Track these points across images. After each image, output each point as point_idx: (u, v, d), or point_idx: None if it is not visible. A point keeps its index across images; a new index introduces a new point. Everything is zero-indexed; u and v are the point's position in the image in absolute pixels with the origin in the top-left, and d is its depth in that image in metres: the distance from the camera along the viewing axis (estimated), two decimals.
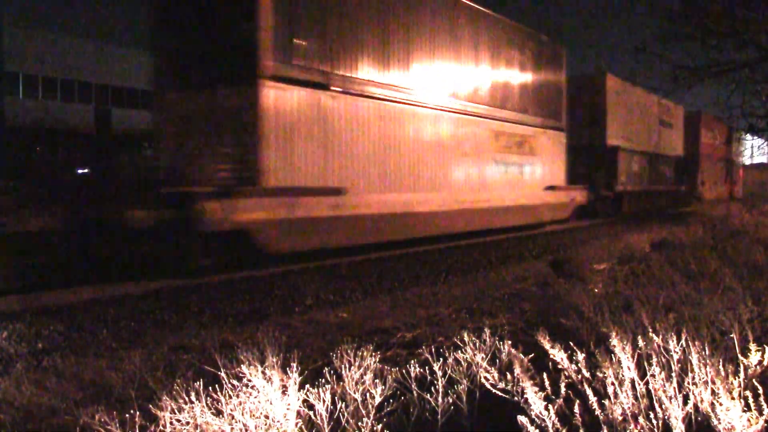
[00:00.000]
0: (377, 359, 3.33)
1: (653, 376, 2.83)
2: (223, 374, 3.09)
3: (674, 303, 4.60)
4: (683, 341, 3.01)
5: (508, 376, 3.16)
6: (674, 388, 2.73)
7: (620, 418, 2.76)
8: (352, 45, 11.85)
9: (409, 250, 13.08)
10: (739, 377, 2.77)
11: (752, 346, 2.94)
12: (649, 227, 18.27)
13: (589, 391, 2.81)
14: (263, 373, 2.93)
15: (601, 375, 2.99)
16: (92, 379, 4.30)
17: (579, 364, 3.13)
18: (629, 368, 2.90)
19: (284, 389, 2.87)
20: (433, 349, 3.75)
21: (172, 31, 11.20)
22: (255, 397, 2.83)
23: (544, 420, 2.73)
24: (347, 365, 3.15)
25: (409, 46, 13.31)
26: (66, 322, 6.55)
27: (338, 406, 2.88)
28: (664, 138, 29.59)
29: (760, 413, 2.48)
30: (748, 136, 28.96)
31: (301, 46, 10.68)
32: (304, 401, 2.87)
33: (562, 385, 2.94)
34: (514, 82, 17.32)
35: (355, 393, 2.98)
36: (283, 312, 7.25)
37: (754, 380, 2.80)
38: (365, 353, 3.28)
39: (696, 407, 2.75)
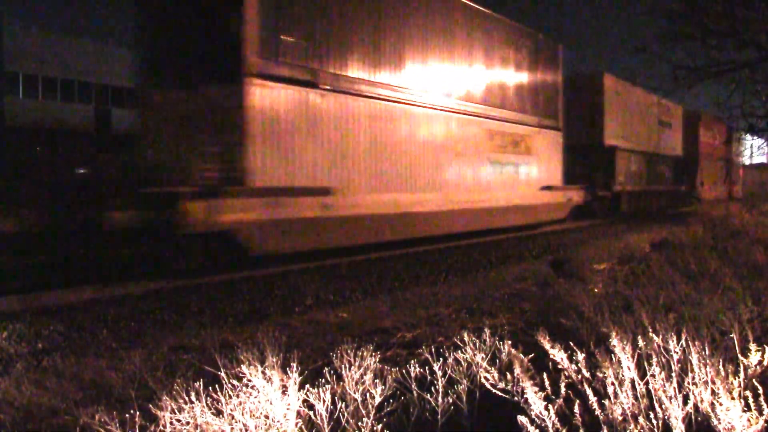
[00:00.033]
0: (377, 359, 3.33)
1: (653, 376, 2.83)
2: (223, 374, 3.09)
3: (674, 303, 4.60)
4: (683, 341, 3.01)
5: (508, 376, 3.16)
6: (674, 388, 2.73)
7: (620, 418, 2.76)
8: (342, 42, 11.64)
9: (409, 250, 13.08)
10: (739, 377, 2.77)
11: (752, 346, 2.94)
12: (649, 227, 18.28)
13: (589, 391, 2.80)
14: (263, 373, 2.93)
15: (601, 375, 2.99)
16: (92, 379, 4.30)
17: (579, 364, 3.13)
18: (629, 368, 2.90)
19: (284, 389, 2.87)
20: (433, 349, 3.75)
21: (157, 27, 10.98)
22: (255, 397, 2.83)
23: (544, 420, 2.73)
24: (347, 365, 3.15)
25: (401, 44, 13.10)
26: (66, 322, 6.55)
27: (338, 406, 2.88)
28: (662, 138, 29.48)
29: (760, 413, 2.48)
30: (748, 136, 28.95)
31: (288, 42, 10.46)
32: (304, 401, 2.87)
33: (562, 385, 2.94)
34: (510, 81, 17.15)
35: (355, 393, 2.98)
36: (283, 312, 7.25)
37: (754, 380, 2.80)
38: (365, 353, 3.28)
39: (696, 407, 2.75)
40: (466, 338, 3.69)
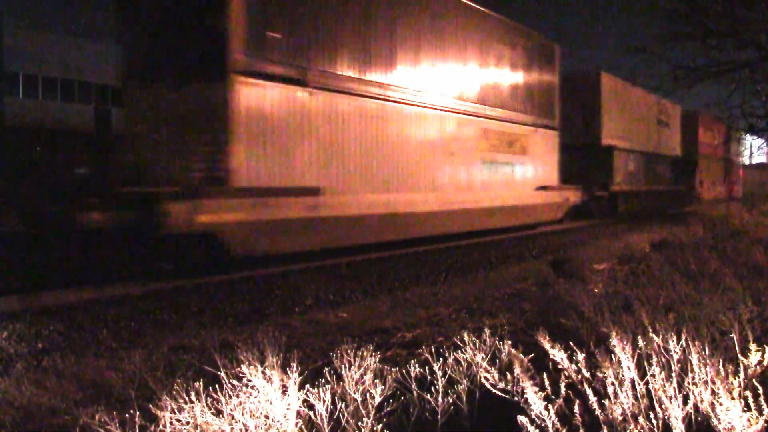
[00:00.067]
0: (377, 359, 3.33)
1: (653, 376, 2.83)
2: (223, 374, 3.09)
3: (674, 303, 4.60)
4: (683, 341, 3.02)
5: (508, 376, 3.16)
6: (674, 388, 2.73)
7: (620, 418, 2.76)
8: (331, 39, 11.36)
9: (409, 250, 13.08)
10: (739, 377, 2.77)
11: (752, 346, 2.94)
12: (649, 227, 18.28)
13: (589, 391, 2.81)
14: (263, 373, 2.93)
15: (601, 375, 3.00)
16: (92, 379, 4.30)
17: (579, 364, 3.13)
18: (629, 368, 2.90)
19: (284, 389, 2.87)
20: (433, 349, 3.75)
21: (140, 23, 10.67)
22: (255, 397, 2.83)
23: (544, 420, 2.73)
24: (347, 365, 3.15)
25: (393, 41, 12.80)
26: (66, 322, 6.55)
27: (338, 406, 2.88)
28: (661, 137, 29.30)
29: (760, 413, 2.48)
30: (748, 136, 28.92)
31: (275, 39, 10.17)
32: (304, 401, 2.88)
33: (562, 385, 2.94)
34: (505, 79, 16.91)
35: (355, 393, 2.98)
36: (283, 312, 7.25)
37: (754, 380, 2.80)
38: (365, 353, 3.28)
39: (696, 407, 2.75)
40: (466, 338, 3.69)
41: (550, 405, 2.77)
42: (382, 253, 12.33)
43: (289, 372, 2.93)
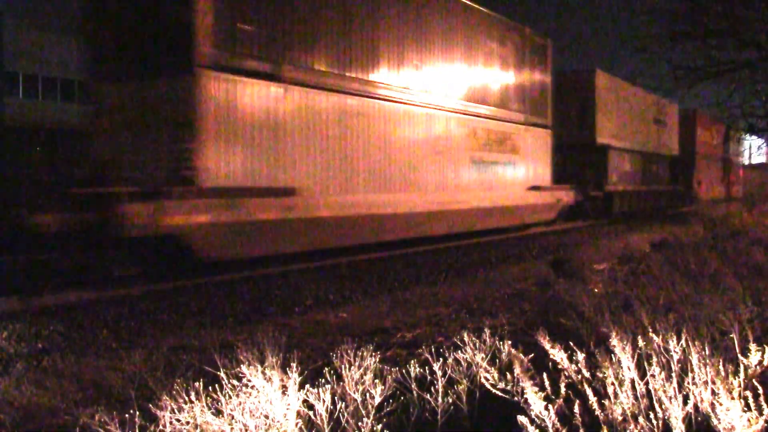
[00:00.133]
0: (377, 359, 3.33)
1: (653, 376, 2.83)
2: (222, 374, 3.09)
3: (674, 303, 4.60)
4: (683, 341, 3.01)
5: (508, 376, 3.16)
6: (674, 388, 2.73)
7: (620, 418, 2.76)
8: (308, 33, 10.82)
9: (409, 250, 13.07)
10: (739, 377, 2.77)
11: (752, 346, 2.94)
12: (649, 227, 18.29)
13: (589, 391, 2.81)
14: (263, 373, 2.93)
15: (601, 375, 3.00)
16: (92, 379, 4.30)
17: (579, 364, 3.13)
18: (629, 368, 2.90)
19: (284, 389, 2.87)
20: (433, 349, 3.75)
21: (104, 15, 10.20)
22: (255, 397, 2.83)
23: (544, 420, 2.73)
24: (347, 365, 3.15)
25: (374, 36, 12.28)
26: (66, 322, 6.55)
27: (338, 406, 2.88)
28: (658, 136, 28.96)
29: (760, 413, 2.48)
30: (748, 136, 28.86)
31: (246, 31, 9.70)
32: (304, 401, 2.87)
33: (562, 385, 2.94)
34: (494, 76, 16.45)
35: (355, 393, 2.98)
36: (283, 312, 7.25)
37: (754, 380, 2.80)
38: (365, 353, 3.28)
39: (696, 407, 2.75)
40: (466, 338, 3.69)
41: (550, 405, 2.76)
42: (382, 253, 12.32)
43: (289, 372, 2.93)
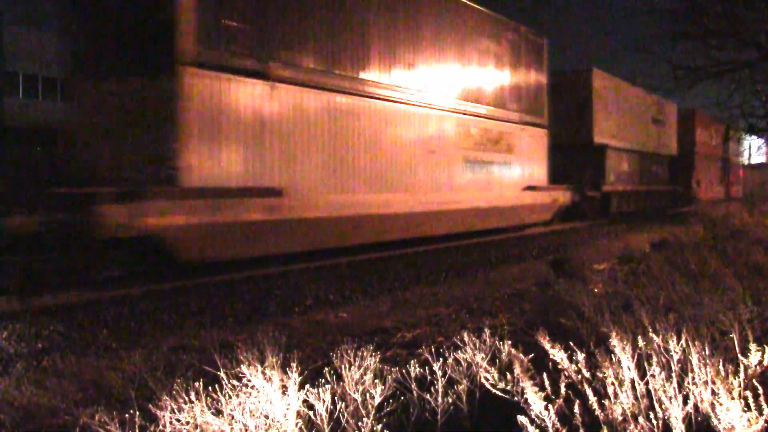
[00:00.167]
0: (377, 359, 3.33)
1: (653, 376, 2.83)
2: (222, 374, 3.09)
3: (674, 303, 4.60)
4: (683, 341, 3.01)
5: (508, 376, 3.16)
6: (674, 388, 2.73)
7: (620, 418, 2.76)
8: (296, 29, 10.55)
9: (409, 251, 13.07)
10: (739, 377, 2.77)
11: (752, 346, 2.94)
12: (649, 227, 18.29)
13: (589, 391, 2.81)
14: (263, 373, 2.93)
15: (601, 375, 2.99)
16: (92, 379, 4.30)
17: (579, 364, 3.13)
18: (629, 368, 2.90)
19: (284, 389, 2.87)
20: (433, 349, 3.75)
21: (84, 10, 10.00)
22: (255, 397, 2.83)
23: (544, 420, 2.73)
24: (347, 365, 3.15)
25: (365, 32, 12.00)
26: (66, 322, 6.55)
27: (338, 406, 2.88)
28: (656, 136, 28.76)
29: (760, 413, 2.48)
30: (747, 136, 28.81)
31: (231, 28, 9.42)
32: (304, 401, 2.88)
33: (562, 385, 2.94)
34: (489, 74, 16.18)
35: (355, 393, 2.98)
36: (283, 312, 7.25)
37: (754, 380, 2.80)
38: (365, 353, 3.28)
39: (696, 407, 2.75)
40: (466, 338, 3.69)
41: (550, 405, 2.77)
42: (382, 253, 12.32)
43: (289, 372, 2.93)
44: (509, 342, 3.71)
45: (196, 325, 6.46)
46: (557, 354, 3.19)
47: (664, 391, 2.74)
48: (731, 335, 3.30)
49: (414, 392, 3.23)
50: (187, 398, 2.79)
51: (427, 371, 3.32)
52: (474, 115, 15.44)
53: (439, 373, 3.22)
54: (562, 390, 2.91)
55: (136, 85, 9.26)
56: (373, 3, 12.28)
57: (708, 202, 33.49)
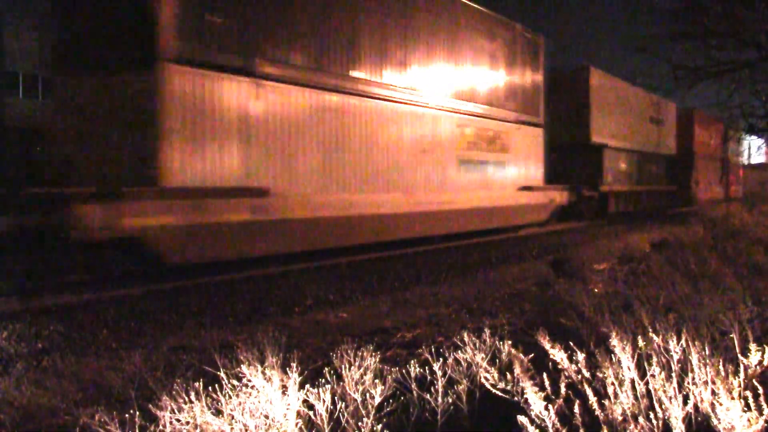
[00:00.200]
0: (377, 359, 3.33)
1: (653, 376, 2.83)
2: (222, 374, 3.09)
3: (674, 303, 4.60)
4: (683, 341, 3.02)
5: (508, 376, 3.16)
6: (674, 388, 2.73)
7: (620, 418, 2.76)
8: (283, 25, 10.24)
9: (409, 251, 13.07)
10: (739, 377, 2.77)
11: (752, 346, 2.94)
12: (649, 227, 18.29)
13: (589, 391, 2.81)
14: (263, 373, 2.93)
15: (601, 375, 3.00)
16: (92, 379, 4.30)
17: (579, 364, 3.13)
18: (629, 368, 2.90)
19: (284, 389, 2.87)
20: (433, 349, 3.75)
21: (62, 4, 9.74)
22: (255, 397, 2.83)
23: (544, 420, 2.73)
24: (347, 365, 3.15)
25: (354, 29, 11.71)
26: (66, 322, 6.55)
27: (338, 406, 2.88)
28: (654, 136, 28.55)
29: (760, 413, 2.48)
30: (747, 136, 28.74)
31: (215, 23, 9.18)
32: (304, 401, 2.88)
33: (562, 385, 2.94)
34: (483, 73, 15.96)
35: (355, 393, 2.98)
36: (283, 312, 7.25)
37: (754, 380, 2.80)
38: (365, 353, 3.28)
39: (696, 407, 2.75)
40: (466, 338, 3.69)
41: (550, 405, 2.77)
42: (382, 253, 12.32)
43: (289, 372, 2.93)
44: (509, 342, 3.71)
45: (196, 325, 6.45)
46: (557, 354, 3.19)
47: (664, 391, 2.74)
48: (731, 335, 3.30)
49: (414, 392, 3.23)
50: (187, 398, 2.79)
51: (427, 371, 3.32)
52: (468, 114, 15.22)
53: (439, 373, 3.22)
54: (562, 390, 2.92)
55: (117, 82, 9.01)
56: (364, 2, 12.05)
57: (707, 202, 33.40)
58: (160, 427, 2.74)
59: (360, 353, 3.26)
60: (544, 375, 2.96)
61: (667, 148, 30.38)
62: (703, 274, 6.08)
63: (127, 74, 8.89)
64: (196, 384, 2.84)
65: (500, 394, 3.16)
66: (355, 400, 2.96)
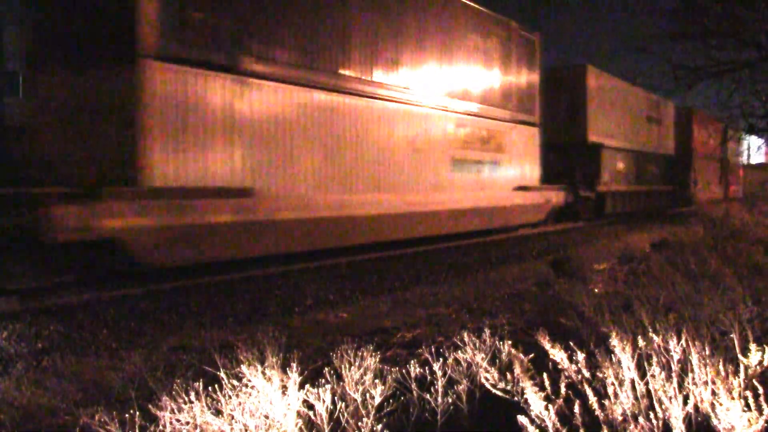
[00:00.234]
0: (377, 359, 3.33)
1: (653, 376, 2.83)
2: (222, 374, 3.09)
3: (674, 303, 4.60)
4: (683, 341, 3.02)
5: (508, 376, 3.16)
6: (674, 388, 2.73)
7: (620, 418, 2.76)
8: (270, 21, 9.98)
9: (409, 251, 13.07)
10: (739, 377, 2.77)
11: (752, 346, 2.94)
12: (649, 227, 18.30)
13: (589, 391, 2.81)
14: (263, 373, 2.93)
15: (601, 375, 3.00)
16: (92, 379, 4.30)
17: (579, 364, 3.13)
18: (629, 368, 2.90)
19: (284, 389, 2.87)
20: (433, 349, 3.75)
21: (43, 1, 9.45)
22: (255, 397, 2.83)
23: (544, 420, 2.73)
24: (347, 365, 3.15)
25: (344, 26, 11.41)
26: (66, 322, 6.55)
27: (338, 406, 2.88)
28: (652, 135, 28.29)
29: (760, 413, 2.48)
30: (747, 136, 28.69)
31: (198, 18, 8.89)
32: (304, 401, 2.88)
33: (562, 385, 2.94)
34: (477, 71, 15.62)
35: (355, 393, 2.98)
36: (283, 312, 7.25)
37: (754, 380, 2.80)
38: (365, 353, 3.28)
39: (696, 407, 2.75)
40: (466, 338, 3.70)
41: (550, 405, 2.77)
42: (381, 253, 12.33)
43: (289, 372, 2.93)
44: (509, 342, 3.71)
45: (196, 325, 6.46)
46: (557, 354, 3.19)
47: (664, 391, 2.74)
48: (731, 335, 3.30)
49: (414, 392, 3.23)
50: (186, 398, 2.79)
51: (427, 371, 3.32)
52: (462, 113, 14.90)
53: (439, 373, 3.22)
54: (562, 390, 2.92)
55: (95, 79, 8.71)
56: None
57: (706, 202, 33.27)
58: (160, 427, 2.74)
59: (360, 353, 3.26)
60: (544, 375, 2.96)
61: (665, 148, 30.21)
62: (703, 274, 6.08)
63: (105, 71, 8.61)
64: (196, 384, 2.84)
65: (500, 394, 3.16)
66: (355, 400, 2.96)
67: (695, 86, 16.73)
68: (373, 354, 3.35)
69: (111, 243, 8.05)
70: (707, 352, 2.90)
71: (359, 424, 2.83)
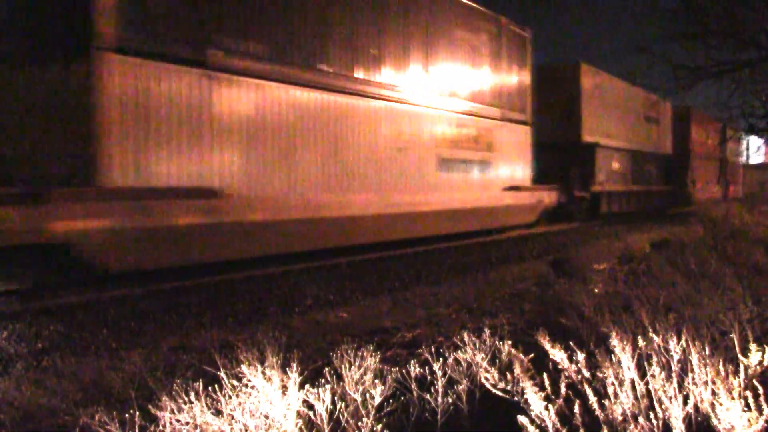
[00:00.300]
0: (377, 359, 3.34)
1: (653, 376, 2.83)
2: (222, 374, 3.09)
3: (674, 303, 4.60)
4: (683, 341, 3.02)
5: (508, 376, 3.16)
6: (674, 388, 2.73)
7: (620, 418, 2.76)
8: (241, 13, 9.51)
9: (409, 250, 13.07)
10: (739, 377, 2.77)
11: (752, 346, 2.94)
12: (649, 227, 18.31)
13: (589, 391, 2.81)
14: (263, 373, 2.93)
15: (601, 375, 3.00)
16: (92, 379, 4.30)
17: (579, 364, 3.13)
18: (629, 368, 2.90)
19: (284, 389, 2.88)
20: (433, 349, 3.75)
21: None
22: (255, 397, 2.83)
23: (544, 420, 2.73)
24: (347, 365, 3.15)
25: (322, 18, 10.95)
26: (66, 322, 6.55)
27: (338, 406, 2.88)
28: (649, 135, 27.97)
29: (760, 413, 2.48)
30: (746, 136, 28.65)
31: (160, 9, 8.41)
32: (304, 401, 2.88)
33: (562, 385, 2.94)
34: (466, 68, 15.19)
35: (355, 393, 2.98)
36: (283, 312, 7.25)
37: (754, 380, 2.80)
38: (365, 353, 3.28)
39: (696, 407, 2.75)
40: (466, 338, 3.70)
41: (550, 405, 2.77)
42: (382, 253, 12.33)
43: (289, 372, 2.93)
44: (509, 342, 3.71)
45: (196, 325, 6.46)
46: (557, 354, 3.20)
47: (664, 391, 2.74)
48: (731, 335, 3.30)
49: (414, 392, 3.23)
50: (186, 398, 2.79)
51: (427, 371, 3.32)
52: (449, 111, 14.46)
53: (439, 373, 3.22)
54: (562, 390, 2.92)
55: (48, 73, 8.22)
56: None
57: (704, 202, 33.15)
58: (160, 428, 2.74)
59: (360, 353, 3.27)
60: (544, 375, 2.96)
61: (662, 148, 29.94)
62: (703, 274, 6.08)
63: (59, 64, 8.09)
64: (196, 384, 2.84)
65: (500, 394, 3.17)
66: (355, 400, 2.96)
67: (695, 86, 16.73)
68: (373, 354, 3.35)
69: (63, 247, 7.59)
70: (707, 352, 2.90)
71: (359, 424, 2.83)
